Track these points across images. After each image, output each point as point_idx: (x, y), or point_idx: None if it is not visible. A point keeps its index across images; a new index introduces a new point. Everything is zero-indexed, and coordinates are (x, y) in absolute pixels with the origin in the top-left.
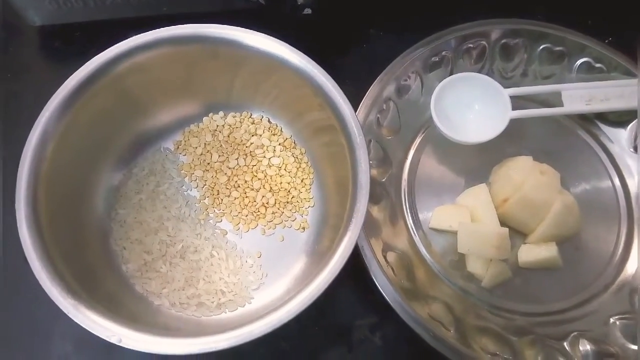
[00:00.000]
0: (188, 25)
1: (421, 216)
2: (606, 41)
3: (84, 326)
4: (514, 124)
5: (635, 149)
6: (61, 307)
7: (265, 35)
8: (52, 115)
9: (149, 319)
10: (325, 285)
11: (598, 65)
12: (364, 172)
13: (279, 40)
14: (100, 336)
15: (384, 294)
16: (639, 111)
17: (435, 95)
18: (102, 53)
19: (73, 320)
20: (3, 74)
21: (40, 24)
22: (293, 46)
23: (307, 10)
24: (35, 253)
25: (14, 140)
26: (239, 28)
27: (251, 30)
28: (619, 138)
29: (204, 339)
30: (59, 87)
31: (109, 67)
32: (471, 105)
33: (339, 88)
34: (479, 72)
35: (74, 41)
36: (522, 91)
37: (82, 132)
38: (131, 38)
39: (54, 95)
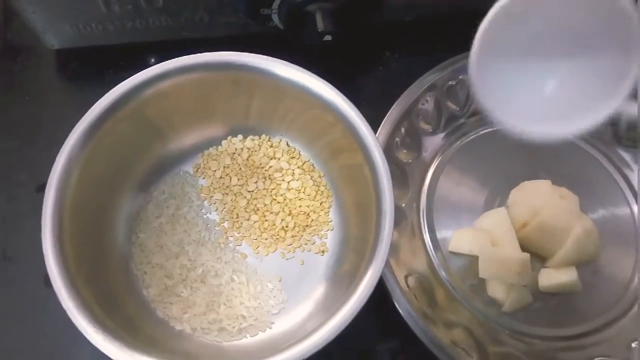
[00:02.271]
0: (212, 53)
1: (440, 238)
2: None
3: (112, 357)
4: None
5: None
6: (89, 339)
7: (287, 62)
8: (77, 142)
9: (170, 345)
10: (352, 316)
11: None
12: (388, 199)
13: (300, 67)
14: None
15: (406, 320)
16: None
17: (481, 41)
18: (126, 80)
19: (94, 346)
20: (21, 96)
21: (58, 47)
22: (310, 69)
23: (327, 37)
24: (62, 282)
25: (31, 162)
26: (261, 56)
27: (273, 58)
28: (637, 163)
29: None
30: (77, 109)
31: (133, 94)
32: (549, 65)
33: (360, 114)
34: None
35: (92, 64)
36: None
37: (104, 158)
38: (155, 66)
39: (79, 122)
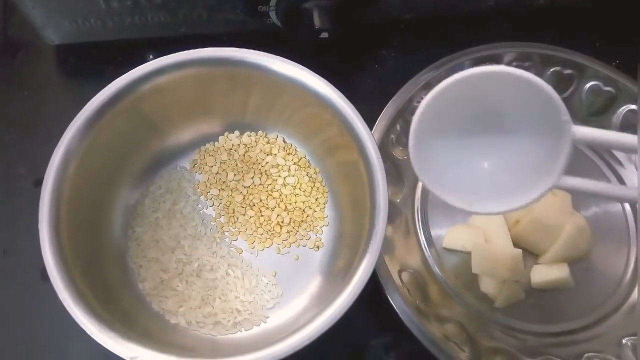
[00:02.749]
0: (209, 48)
1: (434, 235)
2: (614, 64)
3: (107, 347)
4: None
5: None
6: (85, 329)
7: (284, 58)
8: (74, 136)
9: (165, 338)
10: (345, 309)
11: (607, 88)
12: (382, 195)
13: (297, 63)
14: (125, 357)
15: (399, 314)
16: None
17: (417, 123)
18: (124, 75)
19: (90, 338)
20: (20, 91)
21: (57, 43)
22: (306, 66)
23: (324, 34)
24: (59, 273)
25: (30, 156)
26: (258, 52)
27: (270, 54)
28: (629, 161)
29: None
30: (76, 104)
31: (131, 88)
32: (489, 137)
33: (356, 111)
34: None
35: (91, 60)
36: (599, 136)
37: (101, 152)
38: (153, 61)
39: (77, 116)
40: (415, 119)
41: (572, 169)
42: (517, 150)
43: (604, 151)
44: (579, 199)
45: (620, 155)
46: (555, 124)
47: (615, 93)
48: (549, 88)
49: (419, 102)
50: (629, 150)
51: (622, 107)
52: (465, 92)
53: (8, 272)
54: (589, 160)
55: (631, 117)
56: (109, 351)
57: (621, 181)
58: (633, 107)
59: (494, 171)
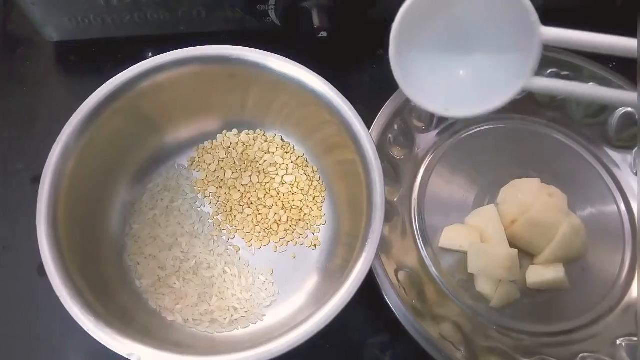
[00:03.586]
0: (209, 46)
1: (430, 234)
2: (610, 66)
3: (104, 344)
4: (522, 143)
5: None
6: (82, 325)
7: (283, 57)
8: (73, 132)
9: (162, 335)
10: (341, 307)
11: None
12: (380, 194)
13: (295, 62)
14: (121, 354)
15: (395, 313)
16: (639, 135)
17: (396, 30)
18: (123, 72)
19: (87, 334)
20: (19, 87)
21: (57, 39)
22: (305, 65)
23: (323, 34)
24: (56, 269)
25: (28, 152)
26: (257, 50)
27: (269, 53)
28: (624, 162)
29: (224, 357)
30: (74, 101)
31: (130, 86)
32: (464, 45)
33: (354, 110)
34: None
35: (90, 57)
36: (566, 35)
37: (100, 149)
38: (152, 58)
39: (75, 113)
40: (394, 26)
41: (567, 170)
42: (491, 57)
43: (601, 153)
44: (574, 199)
45: (616, 156)
46: (525, 27)
47: None
48: None
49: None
50: (595, 48)
51: (619, 110)
52: (440, 3)
53: (5, 267)
54: (585, 161)
55: (628, 119)
56: (106, 348)
57: (617, 183)
58: (629, 109)
59: (469, 78)
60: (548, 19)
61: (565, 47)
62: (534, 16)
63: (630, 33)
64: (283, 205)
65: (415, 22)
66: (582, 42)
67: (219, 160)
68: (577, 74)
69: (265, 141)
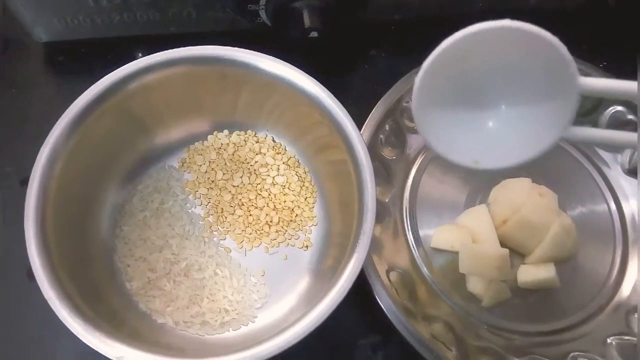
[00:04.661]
0: (199, 47)
1: (422, 235)
2: (600, 65)
3: (93, 347)
4: None
5: (629, 172)
6: (70, 329)
7: (274, 58)
8: (61, 134)
9: (152, 337)
10: (332, 308)
11: None
12: (371, 195)
13: (287, 63)
14: (110, 357)
15: (387, 314)
16: (638, 134)
17: (420, 84)
18: (112, 73)
19: (76, 337)
20: (8, 89)
21: (46, 40)
22: (296, 65)
23: (314, 34)
24: (44, 272)
25: (18, 155)
26: (248, 51)
27: (260, 53)
28: (615, 162)
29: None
30: (64, 102)
31: (119, 86)
32: (492, 97)
33: (345, 111)
34: None
35: (80, 57)
36: (605, 85)
37: (89, 150)
38: (142, 59)
39: (64, 114)
40: (417, 79)
41: (558, 170)
42: (522, 107)
43: (591, 152)
44: (565, 199)
45: (606, 156)
46: (561, 77)
47: None
48: (556, 40)
49: (408, 102)
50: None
51: (610, 109)
52: (469, 50)
53: None
54: (575, 161)
55: (618, 118)
56: (96, 351)
57: (607, 182)
58: (619, 108)
59: (499, 129)
60: (541, 19)
61: (604, 96)
62: (573, 67)
63: (623, 32)
64: (274, 206)
65: (439, 78)
66: (621, 91)
67: (209, 161)
68: None
69: (257, 142)
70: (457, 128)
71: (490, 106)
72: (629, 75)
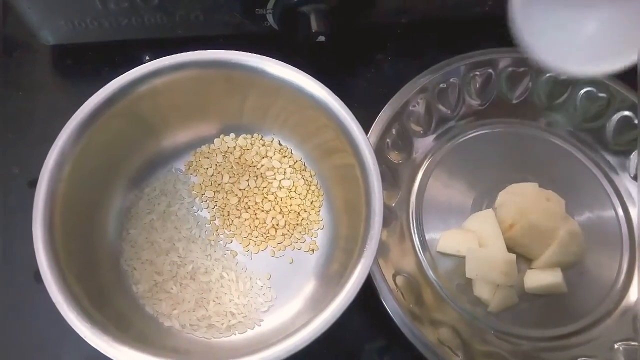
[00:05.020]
0: (206, 51)
1: (428, 239)
2: None
3: (100, 350)
4: (519, 148)
5: (637, 178)
6: (78, 332)
7: (281, 62)
8: (69, 137)
9: (159, 340)
10: (340, 313)
11: (601, 94)
12: (378, 199)
13: (293, 67)
14: None
15: (393, 318)
16: (639, 138)
17: None
18: (120, 76)
19: (83, 340)
20: (15, 91)
21: (53, 43)
22: (303, 69)
23: (321, 38)
24: (52, 276)
25: (24, 157)
26: (255, 55)
27: (267, 57)
28: (622, 167)
29: None
30: (71, 105)
31: (127, 90)
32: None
33: (352, 115)
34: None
35: (87, 60)
36: None
37: (96, 154)
38: (150, 62)
39: (72, 117)
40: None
41: (565, 175)
42: (618, 15)
43: (599, 158)
44: (572, 204)
45: (614, 161)
46: None
47: (609, 99)
48: None
49: (415, 106)
50: None
51: (616, 114)
52: None
53: (1, 273)
54: (583, 166)
55: (625, 123)
56: (101, 354)
57: (614, 187)
58: (627, 113)
59: (594, 37)
60: None
61: None
62: None
63: None
64: (281, 209)
65: None
66: None
67: (216, 165)
68: (574, 78)
69: (263, 145)
70: (552, 22)
71: (587, 10)
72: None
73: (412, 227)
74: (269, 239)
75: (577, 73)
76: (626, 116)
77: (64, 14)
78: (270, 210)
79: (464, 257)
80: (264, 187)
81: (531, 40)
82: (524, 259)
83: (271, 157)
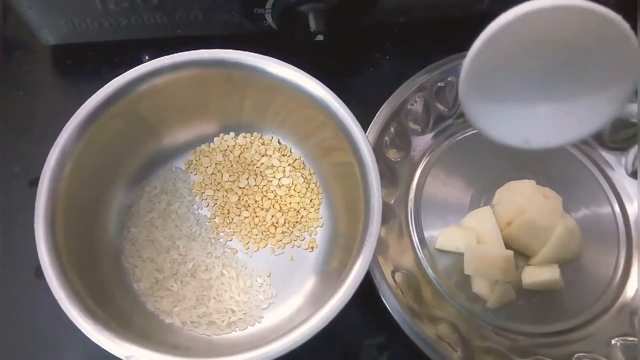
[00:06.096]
0: (206, 50)
1: (427, 236)
2: None
3: (102, 346)
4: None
5: (633, 174)
6: (80, 328)
7: (280, 60)
8: (70, 136)
9: (160, 337)
10: (339, 309)
11: None
12: (377, 197)
13: (292, 65)
14: (120, 356)
15: (392, 314)
16: (639, 134)
17: (468, 67)
18: (120, 76)
19: (84, 336)
20: (16, 91)
21: (54, 43)
22: (302, 68)
23: (319, 37)
24: (54, 272)
25: (25, 156)
26: (254, 54)
27: (266, 56)
28: (619, 164)
29: (221, 359)
30: (71, 104)
31: (127, 89)
32: (542, 81)
33: (351, 113)
34: None
35: (87, 60)
36: None
37: (97, 153)
38: (149, 62)
39: (73, 117)
40: (466, 62)
41: (562, 172)
42: (574, 90)
43: (596, 155)
44: (569, 201)
45: (610, 158)
46: (620, 55)
47: None
48: (616, 16)
49: (413, 104)
50: None
51: None
52: (519, 31)
53: (3, 270)
54: (580, 163)
55: (622, 120)
56: (104, 350)
57: (611, 184)
58: None
59: (551, 108)
60: None
61: None
62: (635, 45)
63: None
64: (280, 207)
65: (487, 60)
66: None
67: (216, 163)
68: None
69: (262, 144)
70: (505, 108)
71: (541, 86)
72: None
73: (410, 225)
74: (268, 237)
75: (535, 147)
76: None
77: (64, 14)
78: (270, 208)
79: (462, 254)
80: (263, 186)
81: (482, 120)
82: (522, 256)
83: (271, 156)
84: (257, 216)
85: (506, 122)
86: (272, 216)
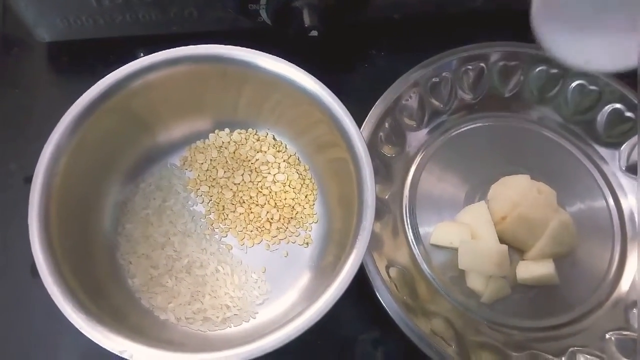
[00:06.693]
0: (200, 46)
1: (422, 232)
2: None
3: (96, 341)
4: (512, 141)
5: (627, 169)
6: (74, 323)
7: (274, 56)
8: (64, 132)
9: (155, 333)
10: (333, 302)
11: (592, 87)
12: (370, 191)
13: (287, 61)
14: (113, 351)
15: (387, 309)
16: (638, 129)
17: None
18: (114, 71)
19: (80, 333)
20: (12, 88)
21: (49, 40)
22: (297, 64)
23: (314, 33)
24: (48, 268)
25: (21, 153)
26: (249, 49)
27: (261, 52)
28: (613, 159)
29: (216, 354)
30: (67, 101)
31: (121, 85)
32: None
33: (345, 109)
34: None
35: (83, 57)
36: None
37: (91, 149)
38: (144, 57)
39: (67, 112)
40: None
41: (556, 167)
42: (633, 19)
43: (590, 149)
44: (564, 196)
45: (605, 152)
46: None
47: (600, 92)
48: None
49: (407, 100)
50: None
51: (607, 106)
52: None
53: None
54: (574, 157)
55: (617, 115)
56: (99, 346)
57: (605, 179)
58: (617, 106)
59: (610, 37)
60: None
61: None
62: None
63: None
64: (275, 203)
65: None
66: None
67: (211, 160)
68: (565, 71)
69: (257, 140)
70: (574, 30)
71: (605, 14)
72: (626, 76)
73: (405, 220)
74: (263, 233)
75: (596, 70)
76: (617, 109)
77: (60, 12)
78: (265, 204)
79: (457, 249)
80: (258, 182)
81: (551, 39)
82: (517, 251)
83: (266, 152)
84: (252, 212)
85: (571, 43)
86: (267, 212)
